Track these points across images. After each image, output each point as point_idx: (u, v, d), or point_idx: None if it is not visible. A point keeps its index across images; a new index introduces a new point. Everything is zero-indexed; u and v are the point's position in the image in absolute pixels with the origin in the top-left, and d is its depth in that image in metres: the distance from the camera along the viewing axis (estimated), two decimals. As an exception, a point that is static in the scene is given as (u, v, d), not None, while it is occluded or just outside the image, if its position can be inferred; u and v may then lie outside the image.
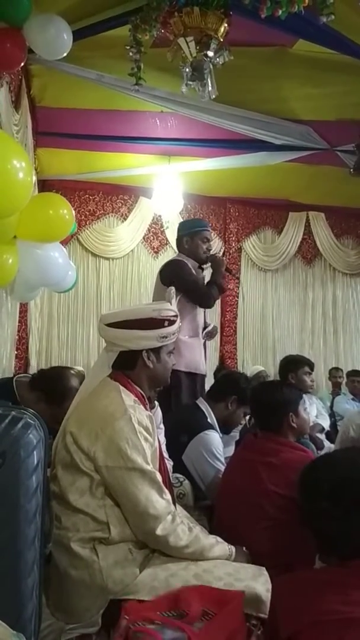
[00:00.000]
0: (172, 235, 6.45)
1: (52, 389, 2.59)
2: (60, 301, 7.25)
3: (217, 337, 7.78)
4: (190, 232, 3.88)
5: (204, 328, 3.89)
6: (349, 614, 1.18)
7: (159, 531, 1.74)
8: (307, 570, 1.44)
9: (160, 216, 7.13)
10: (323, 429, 5.14)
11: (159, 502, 1.77)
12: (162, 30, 3.38)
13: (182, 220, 6.13)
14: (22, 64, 3.40)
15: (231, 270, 3.98)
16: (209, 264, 3.89)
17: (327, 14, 2.94)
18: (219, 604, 1.58)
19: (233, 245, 8.01)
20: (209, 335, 3.95)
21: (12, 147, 2.13)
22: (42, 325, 7.05)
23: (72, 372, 2.83)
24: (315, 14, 3.02)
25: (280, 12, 2.90)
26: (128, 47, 3.44)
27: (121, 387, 1.93)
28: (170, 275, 3.66)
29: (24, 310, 6.04)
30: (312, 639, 1.21)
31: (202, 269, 3.92)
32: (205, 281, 3.87)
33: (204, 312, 3.89)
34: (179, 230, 4.02)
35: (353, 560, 1.28)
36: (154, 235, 7.57)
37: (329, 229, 8.30)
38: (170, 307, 2.14)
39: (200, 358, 3.75)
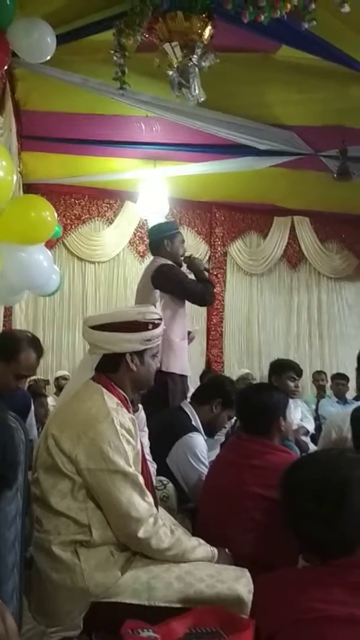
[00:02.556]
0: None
1: (2, 346, 2.61)
2: (46, 305, 7.24)
3: (204, 341, 7.85)
4: (170, 235, 3.88)
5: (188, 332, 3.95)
6: (328, 612, 1.19)
7: (140, 534, 1.74)
8: (289, 570, 1.44)
9: (146, 220, 7.13)
10: (308, 431, 5.17)
11: (141, 504, 1.77)
12: (147, 35, 3.40)
13: (168, 220, 6.13)
14: (6, 68, 3.39)
15: (208, 268, 4.03)
16: (185, 265, 3.92)
17: (309, 20, 2.97)
18: (225, 625, 1.53)
19: (219, 249, 8.05)
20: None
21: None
22: (27, 329, 7.00)
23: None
24: (297, 20, 3.05)
25: (262, 17, 2.92)
26: (112, 52, 3.45)
27: (104, 390, 1.92)
28: (171, 282, 3.71)
29: (8, 314, 6.00)
30: (291, 636, 1.21)
31: None
32: None
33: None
34: (156, 233, 4.02)
35: (336, 560, 1.28)
36: (140, 239, 7.57)
37: (314, 234, 8.38)
38: (155, 310, 2.14)
39: (187, 360, 3.83)
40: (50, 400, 5.42)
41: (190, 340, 3.97)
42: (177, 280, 3.73)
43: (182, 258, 3.87)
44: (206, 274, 3.93)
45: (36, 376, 6.02)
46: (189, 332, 3.95)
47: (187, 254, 3.93)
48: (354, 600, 1.20)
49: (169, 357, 3.53)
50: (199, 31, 3.09)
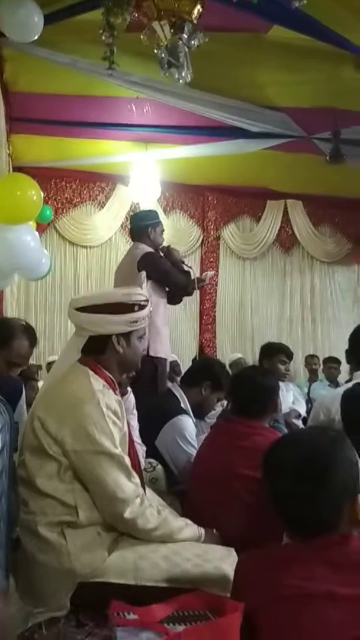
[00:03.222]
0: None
1: None
2: (37, 290, 7.21)
3: (196, 325, 7.86)
4: (154, 223, 4.02)
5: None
6: (308, 589, 1.19)
7: (127, 514, 1.74)
8: (271, 547, 1.45)
9: (138, 204, 7.09)
10: (299, 415, 5.20)
11: (127, 485, 1.77)
12: (136, 15, 3.34)
13: (153, 208, 6.16)
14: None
15: (184, 261, 4.12)
16: (163, 255, 4.04)
17: (300, -2, 2.92)
18: (212, 608, 1.54)
19: (212, 233, 8.02)
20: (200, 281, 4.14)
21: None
22: (19, 314, 6.95)
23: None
24: (288, -1, 3.00)
25: (252, -5, 2.88)
26: (101, 31, 3.40)
27: (90, 372, 1.92)
28: (156, 269, 3.81)
29: (-1, 298, 5.98)
30: (271, 613, 1.22)
31: None
32: None
33: None
34: (141, 219, 4.15)
35: (316, 537, 1.29)
36: (132, 223, 7.51)
37: (307, 217, 8.34)
38: (141, 291, 2.13)
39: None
40: (42, 385, 5.41)
41: (202, 283, 4.16)
42: (162, 269, 3.84)
43: (161, 247, 4.01)
44: (183, 266, 4.04)
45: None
46: (202, 280, 4.16)
47: (165, 244, 4.08)
48: (334, 578, 1.20)
49: (155, 341, 3.60)
50: (188, 10, 3.03)
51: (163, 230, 4.10)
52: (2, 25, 3.20)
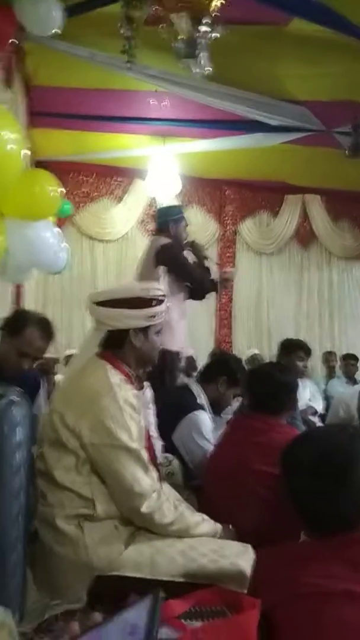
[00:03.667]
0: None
1: (11, 321, 2.63)
2: (56, 284, 7.23)
3: (213, 320, 7.83)
4: (177, 218, 4.03)
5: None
6: (327, 588, 1.18)
7: (144, 509, 1.74)
8: (289, 544, 1.44)
9: (154, 198, 7.09)
10: (316, 411, 5.17)
11: (144, 479, 1.77)
12: (156, 7, 3.33)
13: (175, 202, 6.17)
14: (15, 42, 3.35)
15: (207, 256, 4.11)
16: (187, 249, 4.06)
17: (321, -10, 2.89)
18: (229, 604, 1.53)
19: (229, 228, 7.98)
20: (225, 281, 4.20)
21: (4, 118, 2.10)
22: (37, 309, 7.00)
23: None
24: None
25: (272, -12, 2.85)
26: (120, 25, 3.39)
27: (108, 366, 1.92)
28: (174, 261, 3.82)
29: (18, 292, 6.01)
30: (289, 611, 1.21)
31: None
32: None
33: None
34: (164, 214, 4.16)
35: (335, 535, 1.28)
36: (150, 217, 7.51)
37: (325, 213, 8.26)
38: (159, 286, 2.13)
39: (185, 340, 3.99)
40: (60, 378, 5.44)
41: (225, 281, 4.19)
42: (180, 261, 3.85)
43: (185, 242, 4.01)
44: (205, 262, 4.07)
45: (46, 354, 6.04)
46: (225, 275, 4.21)
47: (189, 239, 4.08)
48: (353, 576, 1.20)
49: (165, 333, 3.58)
50: (207, 2, 3.02)
51: (187, 225, 4.09)
52: (22, 18, 3.21)
